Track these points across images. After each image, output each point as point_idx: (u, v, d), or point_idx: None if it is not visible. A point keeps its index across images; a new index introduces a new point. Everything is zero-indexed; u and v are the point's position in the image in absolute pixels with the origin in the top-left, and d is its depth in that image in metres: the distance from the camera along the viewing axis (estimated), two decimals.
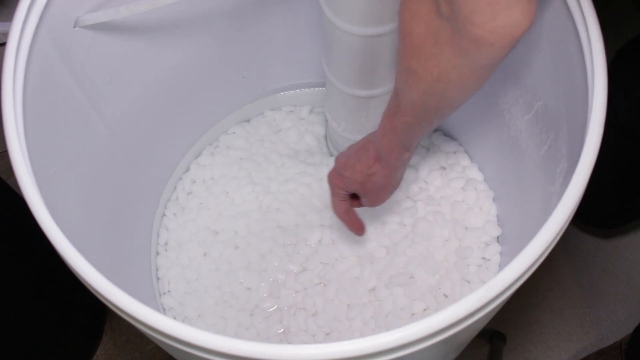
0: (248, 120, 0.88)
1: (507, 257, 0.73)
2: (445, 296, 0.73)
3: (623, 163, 0.89)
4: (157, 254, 0.79)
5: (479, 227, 0.76)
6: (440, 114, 0.48)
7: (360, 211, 0.79)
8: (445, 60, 0.40)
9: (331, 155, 0.84)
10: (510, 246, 0.73)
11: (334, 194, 0.64)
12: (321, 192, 0.80)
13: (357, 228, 0.68)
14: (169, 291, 0.77)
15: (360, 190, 0.61)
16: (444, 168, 0.81)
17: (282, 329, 0.73)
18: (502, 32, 0.36)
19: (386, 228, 0.76)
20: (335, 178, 0.63)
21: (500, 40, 0.37)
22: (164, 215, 0.82)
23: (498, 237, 0.76)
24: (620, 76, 0.80)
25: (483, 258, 0.75)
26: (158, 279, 0.78)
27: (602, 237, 1.03)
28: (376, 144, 0.56)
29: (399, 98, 0.48)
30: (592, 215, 0.99)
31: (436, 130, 0.84)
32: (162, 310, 0.76)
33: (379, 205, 0.63)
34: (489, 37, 0.37)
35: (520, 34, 0.37)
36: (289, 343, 0.61)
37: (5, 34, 0.49)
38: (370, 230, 0.76)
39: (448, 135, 0.84)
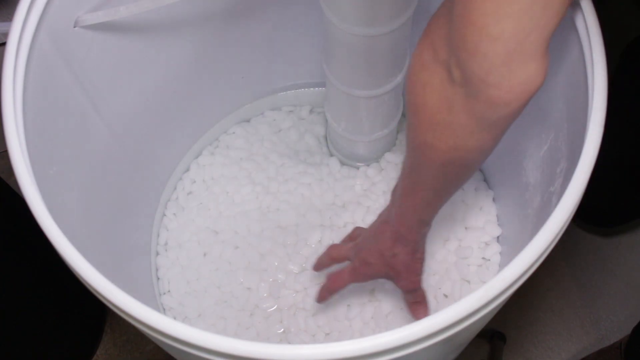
0: (248, 120, 0.88)
1: (507, 257, 0.73)
2: (445, 296, 0.73)
3: (625, 161, 0.89)
4: (157, 254, 0.79)
5: (479, 227, 0.76)
6: (461, 181, 0.46)
7: (363, 212, 0.79)
8: (461, 128, 0.39)
9: (331, 155, 0.84)
10: (510, 246, 0.73)
11: (356, 277, 0.61)
12: (321, 192, 0.80)
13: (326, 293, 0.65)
14: (169, 291, 0.77)
15: (390, 273, 0.59)
16: None
17: (282, 329, 0.73)
18: (518, 90, 0.35)
19: None
20: (361, 267, 0.60)
21: (516, 99, 0.35)
22: (164, 215, 0.82)
23: (498, 237, 0.76)
24: (627, 72, 0.80)
25: (483, 258, 0.75)
26: (158, 279, 0.78)
27: (602, 236, 1.03)
28: (392, 224, 0.54)
29: (416, 175, 0.46)
30: (593, 214, 0.99)
31: None
32: (162, 310, 0.76)
33: (418, 286, 0.60)
34: (505, 97, 0.35)
35: (536, 89, 0.35)
36: (289, 343, 0.61)
37: (5, 34, 0.49)
38: None
39: None
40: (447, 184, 0.46)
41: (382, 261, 0.58)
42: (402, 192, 0.50)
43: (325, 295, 0.65)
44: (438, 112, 0.39)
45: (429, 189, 0.47)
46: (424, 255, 0.58)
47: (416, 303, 0.63)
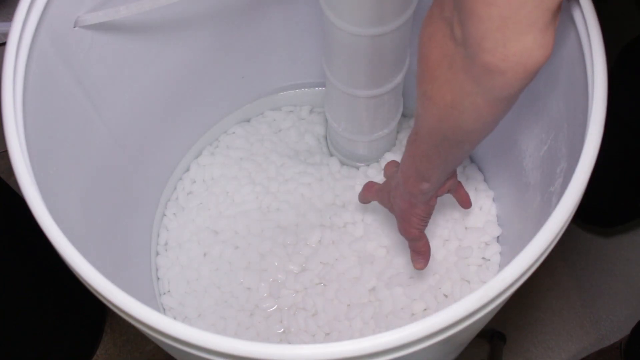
0: (248, 120, 0.88)
1: (507, 257, 0.73)
2: (445, 296, 0.73)
3: (625, 160, 0.89)
4: (157, 254, 0.79)
5: (479, 227, 0.76)
6: (459, 145, 0.46)
7: (362, 212, 0.79)
8: (458, 86, 0.39)
9: (331, 155, 0.84)
10: (510, 246, 0.73)
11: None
12: (321, 192, 0.80)
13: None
14: (169, 291, 0.77)
15: (393, 212, 0.62)
16: None
17: (282, 329, 0.73)
18: (513, 61, 0.35)
19: (386, 228, 0.76)
20: (379, 192, 0.66)
21: (511, 70, 0.35)
22: (164, 215, 0.82)
23: (498, 237, 0.76)
24: (624, 74, 0.80)
25: (483, 258, 0.75)
26: (158, 279, 0.78)
27: (602, 236, 1.03)
28: (399, 170, 0.56)
29: (418, 124, 0.47)
30: (593, 214, 0.99)
31: None
32: (162, 310, 0.76)
33: (414, 236, 0.62)
34: (500, 65, 0.35)
35: (534, 65, 0.35)
36: (289, 343, 0.61)
37: (5, 34, 0.49)
38: (370, 230, 0.76)
39: None
40: (445, 143, 0.46)
41: (388, 199, 0.62)
42: (408, 140, 0.52)
43: (361, 199, 0.71)
44: (439, 66, 0.40)
45: (427, 141, 0.47)
46: (426, 215, 0.59)
47: (417, 253, 0.65)
